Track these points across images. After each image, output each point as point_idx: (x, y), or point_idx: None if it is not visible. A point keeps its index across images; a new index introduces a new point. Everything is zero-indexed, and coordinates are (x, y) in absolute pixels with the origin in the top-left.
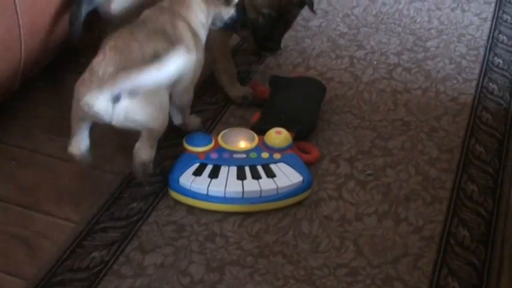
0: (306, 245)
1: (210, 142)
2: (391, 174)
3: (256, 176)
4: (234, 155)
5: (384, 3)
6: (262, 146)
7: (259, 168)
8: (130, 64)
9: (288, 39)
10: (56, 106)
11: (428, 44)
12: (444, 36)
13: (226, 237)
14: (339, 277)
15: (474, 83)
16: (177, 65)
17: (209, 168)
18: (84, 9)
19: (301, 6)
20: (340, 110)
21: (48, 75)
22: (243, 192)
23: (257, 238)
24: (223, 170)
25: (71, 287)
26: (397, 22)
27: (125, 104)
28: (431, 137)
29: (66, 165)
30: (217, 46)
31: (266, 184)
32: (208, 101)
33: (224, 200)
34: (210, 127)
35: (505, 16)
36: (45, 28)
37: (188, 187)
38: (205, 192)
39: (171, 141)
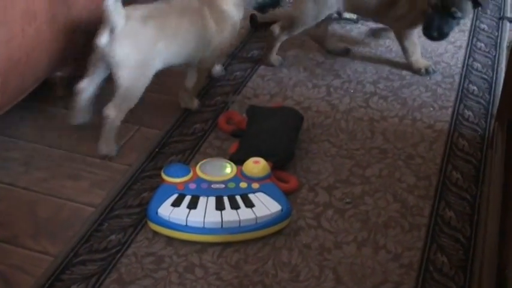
0: (285, 274)
1: (188, 173)
2: (370, 202)
3: (234, 206)
4: (213, 185)
5: (360, 33)
6: (241, 176)
7: (238, 198)
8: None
9: (264, 69)
10: (33, 139)
11: (404, 72)
12: None
13: (206, 267)
14: None
15: (450, 110)
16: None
17: (188, 199)
18: None
19: (475, 6)
20: (318, 138)
21: (26, 107)
22: (222, 222)
23: (236, 268)
24: (202, 200)
25: None
26: (373, 51)
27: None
28: (408, 165)
29: (43, 198)
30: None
31: (245, 214)
32: (185, 132)
33: (203, 230)
34: (188, 158)
35: (479, 44)
36: (22, 62)
37: (167, 218)
38: (184, 223)
39: (149, 173)
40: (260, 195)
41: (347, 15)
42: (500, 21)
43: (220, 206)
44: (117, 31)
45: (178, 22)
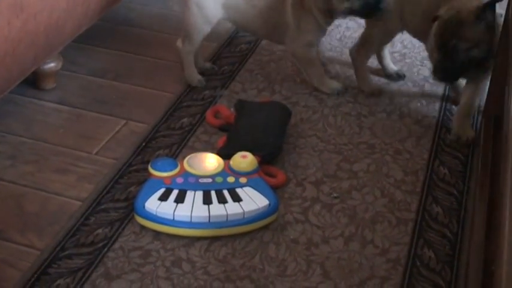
0: (273, 269)
1: (176, 167)
2: (357, 197)
3: (222, 200)
4: (200, 180)
5: (347, 28)
6: (228, 170)
7: (225, 192)
8: None
9: (252, 63)
10: (19, 132)
11: None
12: (407, 60)
13: (193, 262)
14: None
15: (437, 106)
16: None
17: (175, 193)
18: None
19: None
20: (306, 133)
21: (13, 100)
22: (209, 216)
23: (224, 263)
24: (189, 194)
25: None
26: None
27: None
28: (396, 160)
29: (30, 192)
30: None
31: (232, 208)
32: (173, 126)
33: (190, 225)
34: (175, 152)
35: None
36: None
37: (154, 212)
38: (171, 217)
39: (137, 167)
40: (248, 189)
41: None
42: None
43: (207, 201)
44: None
45: None
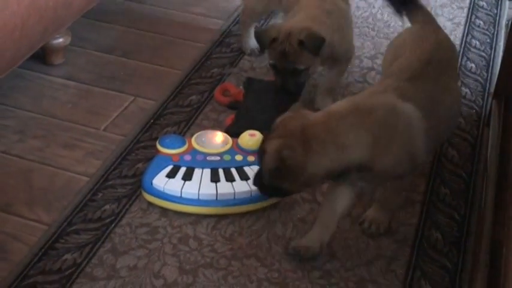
0: (279, 248)
1: (184, 144)
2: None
3: (230, 178)
4: (208, 158)
5: (358, 7)
6: (236, 148)
7: (233, 170)
8: None
9: None
10: (27, 107)
11: None
12: None
13: (200, 239)
14: (313, 280)
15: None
16: None
17: (183, 170)
18: None
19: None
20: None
21: (22, 75)
22: (216, 194)
23: (231, 241)
24: (197, 172)
25: None
26: (371, 26)
27: None
28: None
29: (37, 166)
30: None
31: (240, 186)
32: (181, 104)
33: (198, 202)
34: (183, 129)
35: (477, 21)
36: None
37: (162, 189)
38: (178, 194)
39: (144, 143)
40: (255, 168)
41: None
42: None
43: (215, 178)
44: None
45: None
